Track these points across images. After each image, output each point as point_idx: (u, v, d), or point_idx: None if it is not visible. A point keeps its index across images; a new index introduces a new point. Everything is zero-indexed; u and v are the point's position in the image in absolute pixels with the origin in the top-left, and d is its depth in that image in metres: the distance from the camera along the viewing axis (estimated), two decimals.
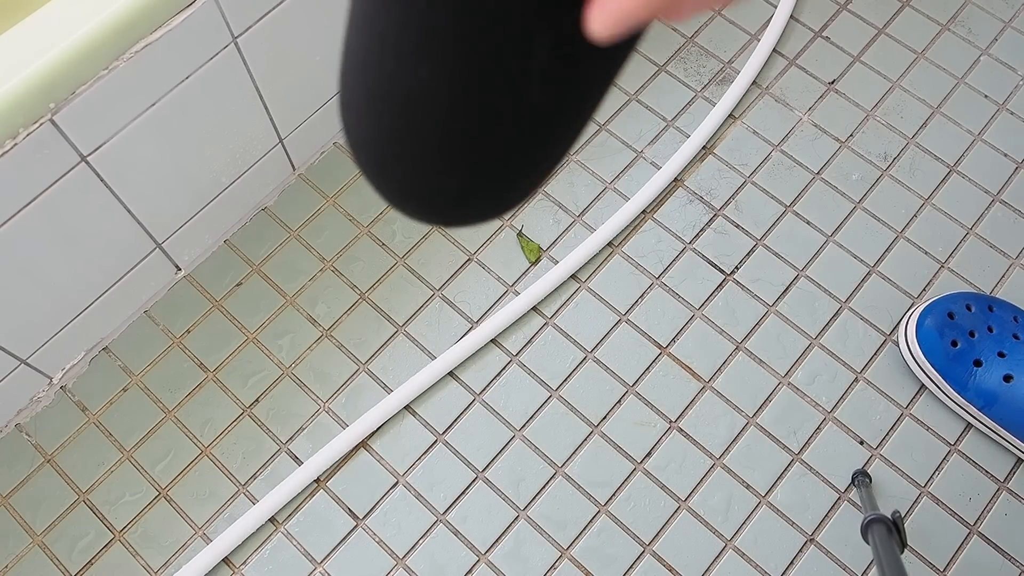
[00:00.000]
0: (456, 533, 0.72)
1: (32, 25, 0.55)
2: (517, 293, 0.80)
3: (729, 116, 0.88)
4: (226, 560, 0.71)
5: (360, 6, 0.25)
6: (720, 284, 0.81)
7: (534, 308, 0.80)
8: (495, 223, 0.83)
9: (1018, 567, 0.71)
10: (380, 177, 0.28)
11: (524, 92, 0.24)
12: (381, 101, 0.25)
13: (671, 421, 0.76)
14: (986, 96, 0.89)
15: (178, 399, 0.76)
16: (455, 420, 0.76)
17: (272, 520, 0.72)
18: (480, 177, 0.27)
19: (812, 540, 0.72)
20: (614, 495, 0.73)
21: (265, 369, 0.77)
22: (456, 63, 0.23)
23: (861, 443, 0.75)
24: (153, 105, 0.63)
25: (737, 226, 0.83)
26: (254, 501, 0.73)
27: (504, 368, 0.78)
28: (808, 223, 0.84)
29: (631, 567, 0.71)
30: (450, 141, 0.26)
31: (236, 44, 0.66)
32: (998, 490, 0.74)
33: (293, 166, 0.83)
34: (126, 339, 0.78)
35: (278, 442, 0.75)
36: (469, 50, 0.23)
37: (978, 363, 0.73)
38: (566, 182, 0.85)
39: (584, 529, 0.72)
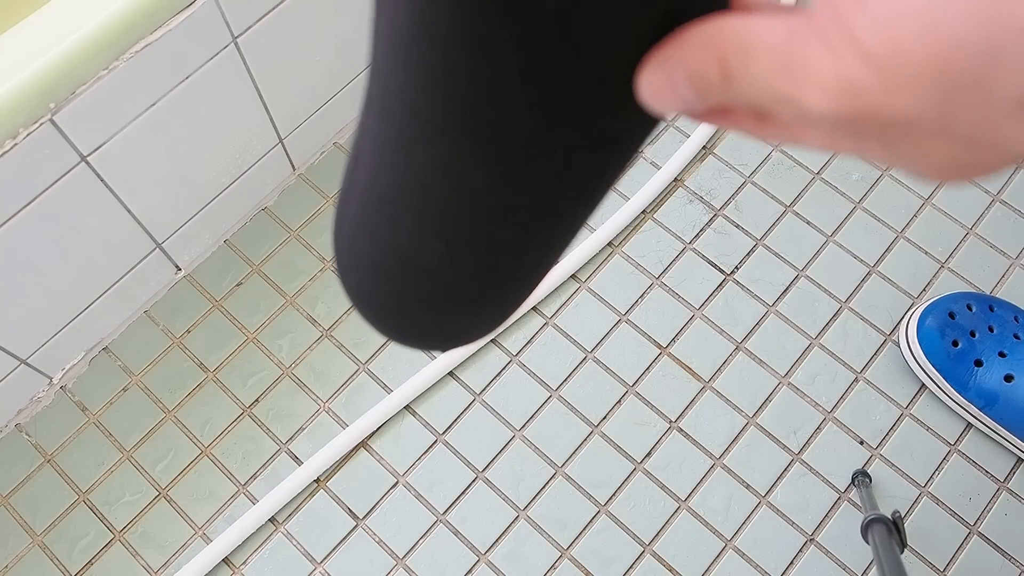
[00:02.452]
0: (456, 533, 0.72)
1: (32, 25, 0.55)
2: None
3: None
4: (226, 560, 0.71)
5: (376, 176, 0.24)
6: (720, 284, 0.81)
7: (534, 308, 0.80)
8: None
9: (1018, 567, 0.71)
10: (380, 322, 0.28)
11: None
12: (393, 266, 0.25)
13: (671, 421, 0.76)
14: None
15: (178, 399, 0.76)
16: (455, 420, 0.76)
17: (272, 520, 0.72)
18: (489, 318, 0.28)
19: (812, 540, 0.72)
20: (614, 495, 0.73)
21: (265, 369, 0.77)
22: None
23: (861, 443, 0.75)
24: (153, 105, 0.63)
25: (737, 226, 0.83)
26: (254, 501, 0.73)
27: (504, 368, 0.78)
28: (808, 223, 0.84)
29: (631, 567, 0.71)
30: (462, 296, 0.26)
31: (236, 44, 0.66)
32: (998, 490, 0.74)
33: (293, 166, 0.83)
34: (126, 339, 0.78)
35: (278, 442, 0.75)
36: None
37: (979, 363, 0.73)
38: None
39: (584, 529, 0.72)
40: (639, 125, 0.22)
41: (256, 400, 0.76)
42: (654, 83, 0.18)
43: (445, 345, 0.29)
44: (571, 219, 0.24)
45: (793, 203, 0.84)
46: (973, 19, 0.13)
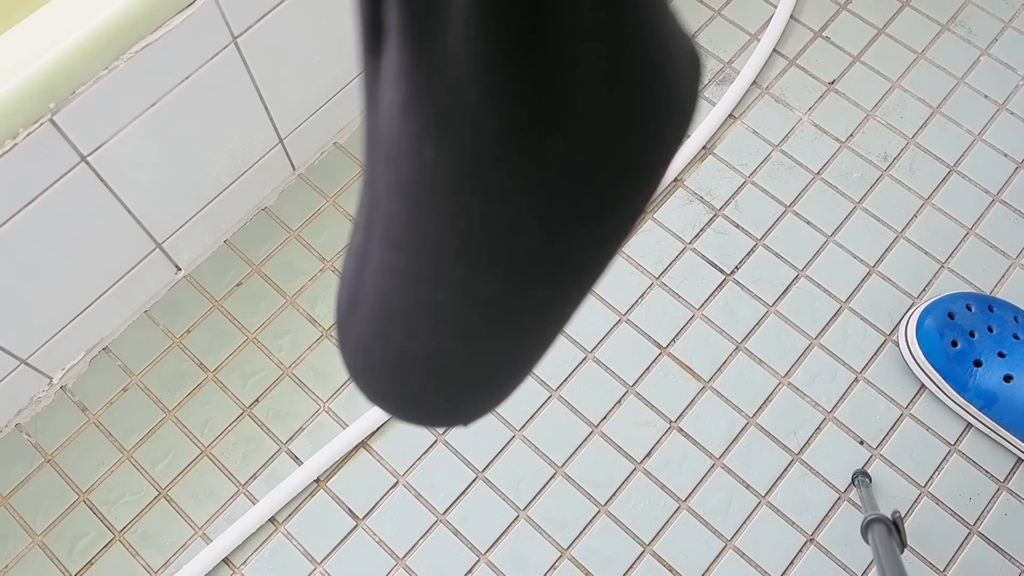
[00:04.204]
0: (456, 533, 0.72)
1: (32, 25, 0.55)
2: None
3: (729, 116, 0.88)
4: (226, 560, 0.71)
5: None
6: (720, 284, 0.81)
7: None
8: None
9: (1018, 567, 0.71)
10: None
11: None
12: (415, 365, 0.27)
13: (671, 421, 0.76)
14: (986, 96, 0.89)
15: (178, 399, 0.76)
16: None
17: (272, 520, 0.72)
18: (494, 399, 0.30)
19: (812, 540, 0.72)
20: (614, 495, 0.73)
21: (265, 369, 0.77)
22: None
23: (861, 443, 0.75)
24: (153, 105, 0.63)
25: (737, 226, 0.83)
26: (254, 501, 0.73)
27: None
28: (808, 223, 0.84)
29: (631, 567, 0.71)
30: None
31: (236, 44, 0.66)
32: (998, 490, 0.74)
33: (293, 166, 0.83)
34: (126, 339, 0.78)
35: (278, 442, 0.75)
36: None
37: (978, 363, 0.73)
38: None
39: (584, 529, 0.72)
40: (632, 215, 0.23)
41: (256, 400, 0.76)
42: None
43: (465, 422, 0.31)
44: (577, 301, 0.26)
45: (793, 203, 0.84)
46: None
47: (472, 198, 0.20)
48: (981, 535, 0.72)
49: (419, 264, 0.22)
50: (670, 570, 0.71)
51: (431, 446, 0.75)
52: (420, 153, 0.19)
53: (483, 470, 0.74)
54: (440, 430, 0.75)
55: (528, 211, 0.20)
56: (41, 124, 0.56)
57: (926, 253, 0.82)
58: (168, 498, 0.73)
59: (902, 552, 0.62)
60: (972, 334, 0.74)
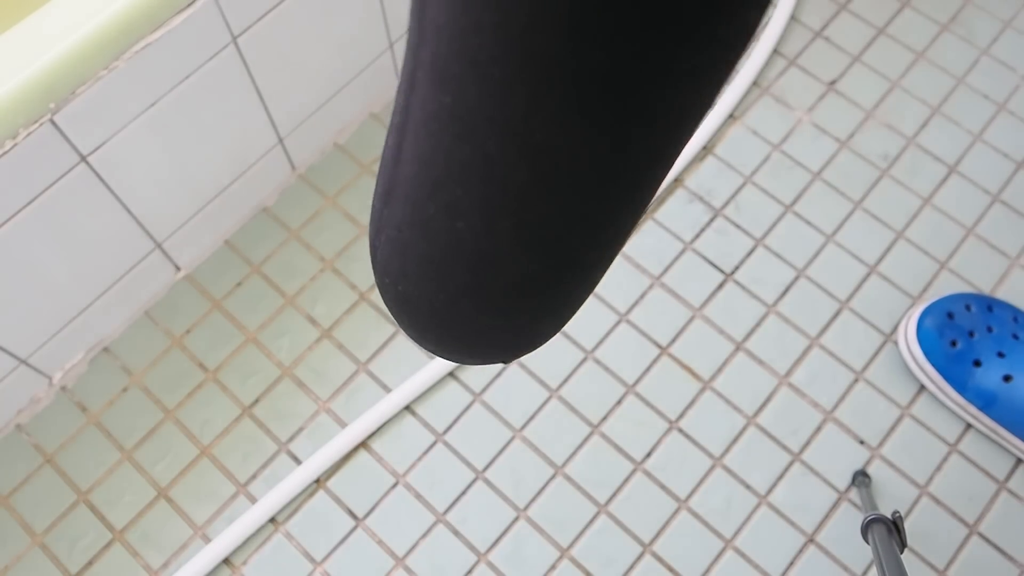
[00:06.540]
0: (456, 533, 0.72)
1: (32, 25, 0.55)
2: None
3: (729, 116, 0.88)
4: (226, 560, 0.71)
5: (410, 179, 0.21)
6: (720, 284, 0.81)
7: None
8: None
9: (1018, 567, 0.71)
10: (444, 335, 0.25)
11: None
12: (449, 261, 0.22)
13: (671, 421, 0.76)
14: (986, 96, 0.90)
15: (178, 399, 0.76)
16: (455, 420, 0.76)
17: (272, 520, 0.72)
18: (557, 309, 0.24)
19: (812, 540, 0.72)
20: (614, 495, 0.74)
21: (265, 369, 0.77)
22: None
23: (861, 443, 0.75)
24: (153, 105, 0.63)
25: (737, 226, 0.83)
26: (254, 501, 0.73)
27: (504, 368, 0.78)
28: (808, 223, 0.84)
29: (631, 567, 0.71)
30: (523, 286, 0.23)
31: (236, 44, 0.66)
32: (998, 490, 0.74)
33: (293, 166, 0.83)
34: (126, 339, 0.78)
35: (278, 442, 0.75)
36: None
37: (977, 363, 0.73)
38: None
39: (584, 529, 0.72)
40: (730, 51, 0.18)
41: (256, 400, 0.76)
42: None
43: (512, 351, 0.25)
44: (653, 174, 0.20)
45: (793, 203, 0.84)
46: None
47: None
48: (981, 535, 0.72)
49: (467, 101, 0.18)
50: (670, 570, 0.71)
51: (431, 446, 0.75)
52: None
53: (483, 470, 0.74)
54: (440, 430, 0.75)
55: (599, 7, 0.15)
56: (41, 124, 0.56)
57: (926, 253, 0.82)
58: (168, 498, 0.73)
59: (902, 552, 0.62)
60: (971, 334, 0.74)
